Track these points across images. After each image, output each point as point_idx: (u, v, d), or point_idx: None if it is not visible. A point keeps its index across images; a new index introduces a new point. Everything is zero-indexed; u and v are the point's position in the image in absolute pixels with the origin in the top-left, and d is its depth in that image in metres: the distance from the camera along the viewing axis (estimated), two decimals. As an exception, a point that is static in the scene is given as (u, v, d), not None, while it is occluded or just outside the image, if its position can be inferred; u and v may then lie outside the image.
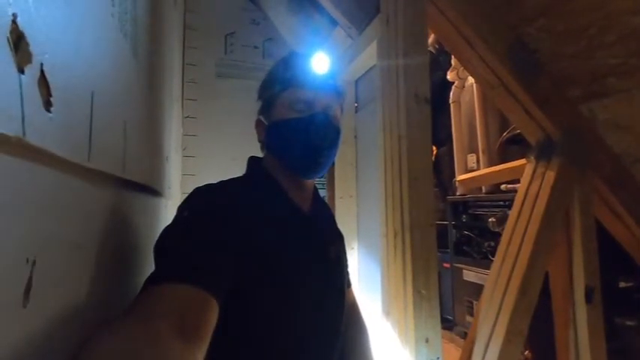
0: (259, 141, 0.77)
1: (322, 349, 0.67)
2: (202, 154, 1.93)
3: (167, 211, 1.11)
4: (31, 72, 0.25)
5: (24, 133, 0.23)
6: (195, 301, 0.45)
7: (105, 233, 0.45)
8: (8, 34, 0.22)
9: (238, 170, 0.76)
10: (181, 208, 0.59)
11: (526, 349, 1.91)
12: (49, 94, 0.27)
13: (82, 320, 0.37)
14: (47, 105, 0.27)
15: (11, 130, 0.22)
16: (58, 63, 0.29)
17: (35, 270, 0.26)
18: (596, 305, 1.20)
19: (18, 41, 0.23)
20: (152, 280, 0.47)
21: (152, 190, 0.79)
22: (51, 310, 0.30)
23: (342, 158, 1.72)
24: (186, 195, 0.61)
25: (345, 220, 1.69)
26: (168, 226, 0.56)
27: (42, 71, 0.26)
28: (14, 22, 0.23)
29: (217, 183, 0.65)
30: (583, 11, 1.00)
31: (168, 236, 0.54)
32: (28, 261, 0.25)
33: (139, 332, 0.37)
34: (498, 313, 1.12)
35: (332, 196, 1.76)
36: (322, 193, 1.84)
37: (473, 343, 1.18)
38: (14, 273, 0.24)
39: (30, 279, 0.25)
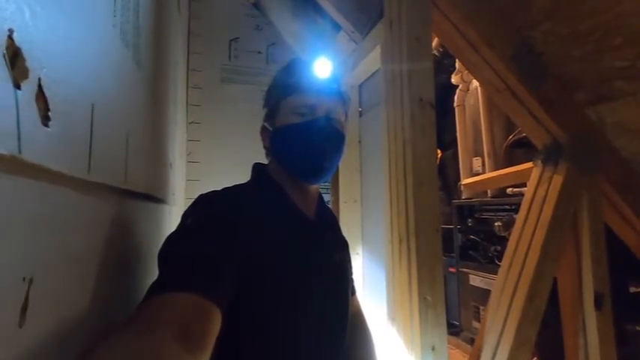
0: (264, 147, 0.77)
1: (325, 356, 0.67)
2: (206, 159, 1.93)
3: (171, 217, 1.11)
4: (28, 87, 0.25)
5: (20, 151, 0.23)
6: (198, 309, 0.45)
7: (107, 244, 0.45)
8: (4, 51, 0.22)
9: (243, 175, 0.76)
10: (185, 215, 0.59)
11: (534, 357, 1.88)
12: (47, 109, 0.27)
13: (83, 335, 0.36)
14: (45, 120, 0.27)
15: (6, 147, 0.22)
16: (57, 77, 0.29)
17: (32, 288, 0.26)
18: (606, 312, 1.18)
19: (14, 57, 0.23)
20: (155, 288, 0.46)
21: (156, 198, 0.79)
22: (49, 328, 0.29)
23: (347, 163, 1.72)
24: (191, 200, 0.61)
25: (349, 225, 1.68)
26: (172, 233, 0.56)
27: (40, 86, 0.26)
28: (10, 37, 0.22)
29: (222, 190, 0.65)
30: (590, 14, 0.99)
31: (172, 244, 0.54)
32: (24, 279, 0.25)
33: (140, 341, 0.37)
34: (506, 320, 1.11)
35: (336, 201, 1.76)
36: (326, 197, 1.83)
37: (480, 350, 1.16)
38: (9, 293, 0.24)
39: (26, 298, 0.25)
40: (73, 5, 0.32)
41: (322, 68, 0.72)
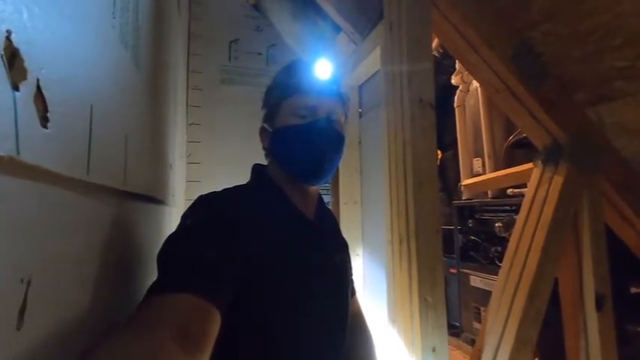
0: (264, 148, 0.77)
1: (326, 357, 0.67)
2: (207, 160, 1.93)
3: (171, 218, 1.11)
4: (27, 88, 0.24)
5: (17, 152, 0.23)
6: (197, 311, 0.44)
7: (106, 246, 0.45)
8: (2, 52, 0.22)
9: (243, 176, 0.76)
10: (185, 217, 0.59)
11: (536, 358, 1.87)
12: (46, 110, 0.27)
13: (82, 337, 0.36)
14: (44, 121, 0.27)
15: (4, 149, 0.22)
16: (56, 78, 0.29)
17: (30, 289, 0.26)
18: (607, 313, 1.17)
19: (12, 58, 0.23)
20: (154, 289, 0.46)
21: (155, 199, 0.79)
22: (48, 330, 0.29)
23: (347, 164, 1.72)
24: (191, 202, 0.61)
25: (349, 226, 1.68)
26: (171, 234, 0.56)
27: (38, 87, 0.26)
28: (8, 38, 0.22)
29: (221, 191, 0.65)
30: (589, 14, 0.99)
31: (171, 245, 0.54)
32: (22, 281, 0.25)
33: (139, 342, 0.37)
34: (507, 321, 1.11)
35: (336, 202, 1.75)
36: (326, 199, 1.83)
37: (481, 351, 1.16)
38: (7, 295, 0.24)
39: (25, 299, 0.25)
40: (71, 6, 0.32)
41: (322, 70, 0.72)
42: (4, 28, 0.22)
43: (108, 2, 0.43)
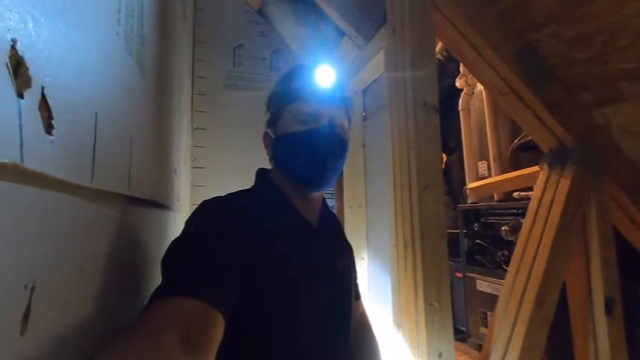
0: (267, 153, 0.77)
1: None
2: (211, 165, 1.94)
3: (176, 223, 1.12)
4: (31, 96, 0.25)
5: (22, 159, 0.23)
6: (201, 315, 0.45)
7: (110, 251, 0.45)
8: (7, 60, 0.22)
9: (247, 181, 0.76)
10: (189, 222, 0.59)
11: (544, 362, 1.85)
12: (51, 117, 0.27)
13: (86, 343, 0.36)
14: (48, 128, 0.27)
15: (8, 156, 0.22)
16: (60, 85, 0.29)
17: (34, 295, 0.26)
18: (617, 317, 1.16)
19: (17, 66, 0.23)
20: (158, 294, 0.46)
21: (160, 204, 0.79)
22: (51, 335, 0.29)
23: (351, 167, 1.72)
24: (196, 207, 0.61)
25: (354, 230, 1.68)
26: (175, 239, 0.56)
27: (43, 94, 0.26)
28: (13, 47, 0.23)
29: (225, 196, 0.66)
30: (594, 16, 0.98)
31: (175, 250, 0.54)
32: (26, 287, 0.25)
33: (143, 346, 0.37)
34: (514, 326, 1.09)
35: (341, 206, 1.75)
36: (331, 202, 1.83)
37: (488, 357, 1.14)
38: (11, 300, 0.24)
39: (28, 305, 0.25)
40: (76, 14, 0.33)
41: (324, 75, 0.72)
42: (9, 37, 0.22)
43: (113, 10, 0.43)
